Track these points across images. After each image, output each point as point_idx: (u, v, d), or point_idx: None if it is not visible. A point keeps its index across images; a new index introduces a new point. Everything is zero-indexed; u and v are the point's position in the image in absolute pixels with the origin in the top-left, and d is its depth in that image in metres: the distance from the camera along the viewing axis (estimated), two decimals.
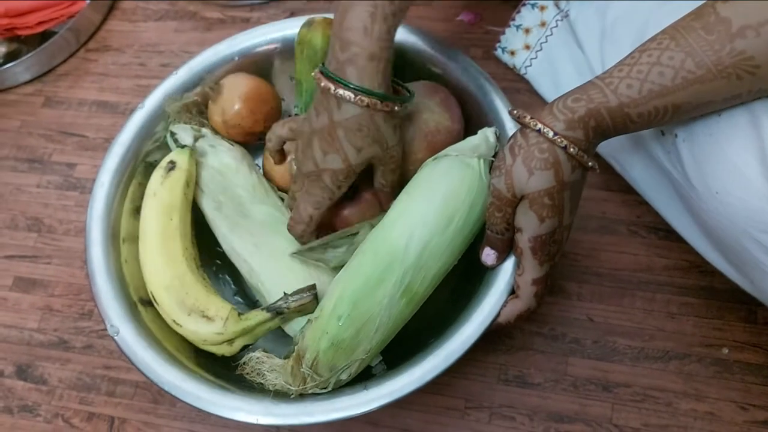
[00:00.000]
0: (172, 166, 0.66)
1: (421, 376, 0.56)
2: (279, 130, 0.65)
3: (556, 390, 0.68)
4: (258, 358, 0.58)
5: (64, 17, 0.98)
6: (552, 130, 0.50)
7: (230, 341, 0.60)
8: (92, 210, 0.66)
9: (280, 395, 0.57)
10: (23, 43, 0.98)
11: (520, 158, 0.52)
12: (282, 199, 0.70)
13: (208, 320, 0.60)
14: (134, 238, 0.65)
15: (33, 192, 0.89)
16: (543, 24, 0.80)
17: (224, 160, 0.69)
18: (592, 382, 0.68)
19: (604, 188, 0.77)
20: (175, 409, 0.72)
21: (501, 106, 0.66)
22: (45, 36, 0.98)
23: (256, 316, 0.60)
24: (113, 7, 1.03)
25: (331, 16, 0.70)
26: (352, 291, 0.56)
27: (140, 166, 0.70)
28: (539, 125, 0.51)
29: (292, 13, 0.96)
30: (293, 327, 0.62)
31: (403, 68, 0.71)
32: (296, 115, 0.71)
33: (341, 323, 0.55)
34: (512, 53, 0.83)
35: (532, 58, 0.82)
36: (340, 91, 0.55)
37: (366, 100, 0.55)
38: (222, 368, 0.61)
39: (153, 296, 0.62)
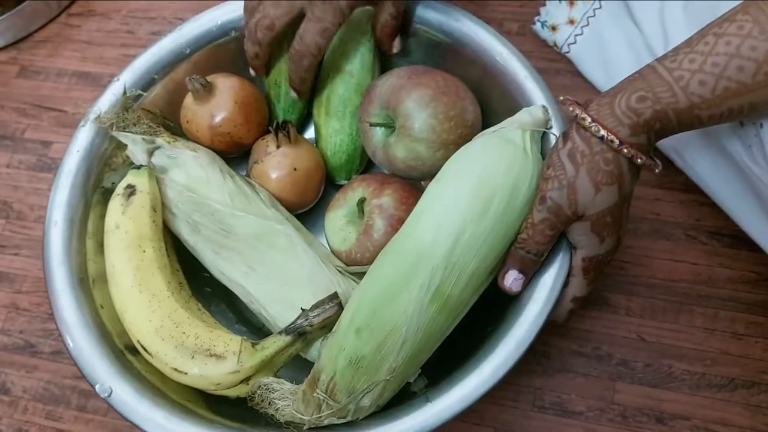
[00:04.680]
0: (131, 190, 0.56)
1: (492, 372, 0.48)
2: None
3: (601, 420, 0.59)
4: (266, 385, 0.49)
5: None
6: (617, 137, 0.44)
7: (247, 379, 0.51)
8: (50, 255, 0.56)
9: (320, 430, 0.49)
10: None
11: (585, 170, 0.46)
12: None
13: (218, 359, 0.50)
14: (105, 279, 0.56)
15: (2, 172, 0.80)
16: None
17: (191, 172, 0.58)
18: (644, 412, 0.59)
19: (657, 186, 0.68)
20: None
21: (534, 86, 0.57)
22: None
23: (275, 343, 0.51)
24: None
25: None
26: (371, 298, 0.48)
27: (97, 194, 0.60)
28: (602, 131, 0.44)
29: None
30: (312, 352, 0.54)
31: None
32: (281, 122, 0.62)
33: (360, 337, 0.47)
34: (553, 28, 0.74)
35: (576, 35, 0.72)
36: None
37: None
38: (244, 410, 0.51)
39: (142, 346, 0.52)
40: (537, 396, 0.61)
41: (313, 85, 0.63)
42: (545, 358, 0.62)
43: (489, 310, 0.52)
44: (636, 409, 0.59)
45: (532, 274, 0.50)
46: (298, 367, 0.54)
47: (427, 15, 0.62)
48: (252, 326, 0.62)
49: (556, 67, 0.75)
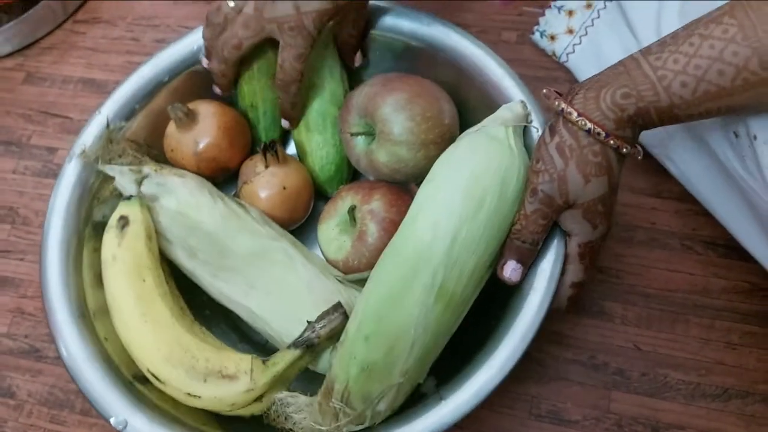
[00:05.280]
0: (124, 221, 0.56)
1: (501, 365, 0.48)
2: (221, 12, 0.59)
3: (597, 429, 0.59)
4: (281, 399, 0.49)
5: None
6: (603, 130, 0.45)
7: (260, 397, 0.51)
8: (49, 292, 0.55)
9: None
10: (3, 12, 0.89)
11: (574, 163, 0.46)
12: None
13: (231, 379, 0.50)
14: (106, 311, 0.55)
15: (8, 178, 0.80)
16: (589, 5, 0.71)
17: (181, 198, 0.57)
18: (640, 421, 0.59)
19: (654, 195, 0.68)
20: None
21: (511, 84, 0.58)
22: (28, 4, 0.88)
23: (284, 357, 0.51)
24: None
25: None
26: (376, 304, 0.48)
27: (89, 228, 0.60)
28: (589, 125, 0.45)
29: None
30: (321, 363, 0.54)
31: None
32: (269, 142, 0.62)
33: (369, 343, 0.47)
34: (552, 38, 0.74)
35: (575, 44, 0.72)
36: None
37: None
38: (259, 428, 0.52)
39: (153, 374, 0.52)
40: (533, 404, 0.61)
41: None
42: (541, 366, 0.62)
43: (491, 304, 0.52)
44: (631, 418, 0.59)
45: (530, 263, 0.51)
46: (307, 378, 0.55)
47: (399, 23, 0.63)
48: (256, 344, 0.62)
49: (554, 76, 0.76)
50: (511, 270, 0.50)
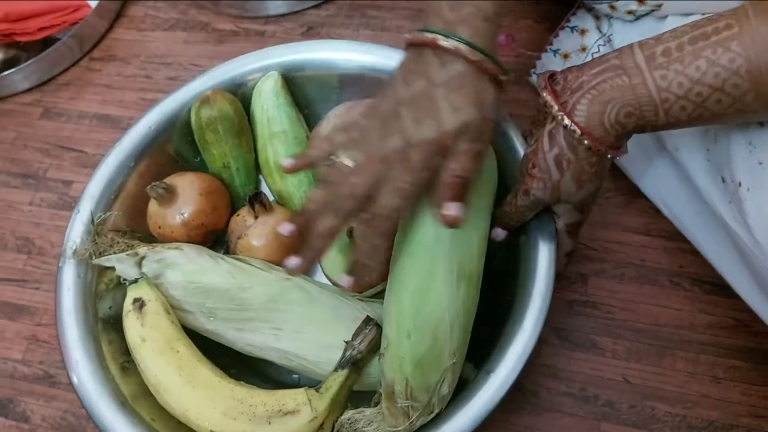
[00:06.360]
0: (140, 303, 0.57)
1: (531, 330, 0.53)
2: (329, 138, 0.51)
3: None
4: (348, 419, 0.52)
5: (67, 24, 0.92)
6: (603, 146, 0.48)
7: (322, 425, 0.53)
8: (87, 394, 0.55)
9: None
10: (23, 50, 0.93)
11: (570, 173, 0.50)
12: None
13: (293, 414, 0.53)
14: (143, 394, 0.57)
15: (25, 210, 0.83)
16: (583, 49, 0.74)
17: (185, 268, 0.59)
18: None
19: (644, 233, 0.71)
20: None
21: None
22: (46, 43, 0.92)
23: (335, 379, 0.54)
24: (120, 14, 0.97)
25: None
26: (408, 302, 0.52)
27: (99, 324, 0.60)
28: (591, 143, 0.48)
29: (309, 28, 0.90)
30: (365, 380, 0.57)
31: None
32: (254, 194, 0.63)
33: (413, 339, 0.51)
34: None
35: None
36: (447, 43, 0.46)
37: (477, 56, 0.47)
38: None
39: None
40: None
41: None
42: (534, 397, 0.64)
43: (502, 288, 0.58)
44: None
45: (513, 229, 0.57)
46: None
47: (331, 57, 0.68)
48: (281, 384, 0.63)
49: None
50: (497, 234, 0.57)
